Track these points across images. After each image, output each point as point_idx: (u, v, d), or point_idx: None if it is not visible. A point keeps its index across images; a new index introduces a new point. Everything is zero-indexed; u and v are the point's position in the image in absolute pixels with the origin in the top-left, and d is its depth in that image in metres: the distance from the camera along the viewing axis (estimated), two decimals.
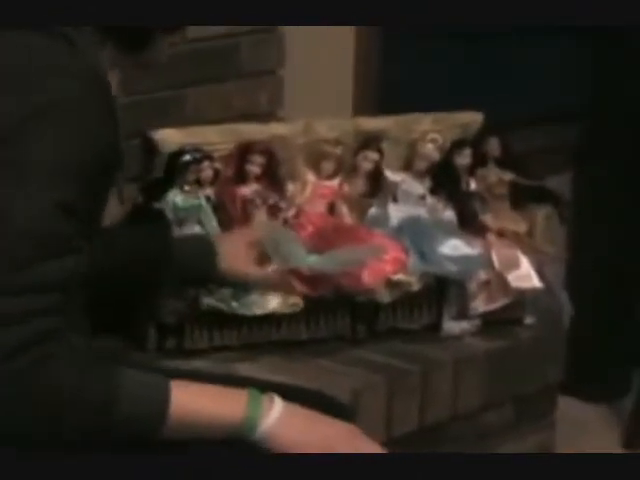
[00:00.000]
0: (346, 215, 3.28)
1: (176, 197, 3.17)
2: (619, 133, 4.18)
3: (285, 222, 3.27)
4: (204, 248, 3.12)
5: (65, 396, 2.22)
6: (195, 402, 2.32)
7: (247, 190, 3.23)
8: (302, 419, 2.39)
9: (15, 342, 2.13)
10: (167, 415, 2.26)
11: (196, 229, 3.19)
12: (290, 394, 2.37)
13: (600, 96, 4.35)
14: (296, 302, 3.08)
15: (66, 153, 2.23)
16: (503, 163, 3.41)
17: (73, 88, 2.27)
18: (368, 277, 3.10)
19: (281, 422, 2.34)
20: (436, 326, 3.23)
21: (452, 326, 3.26)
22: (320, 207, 3.27)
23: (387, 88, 4.14)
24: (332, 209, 3.28)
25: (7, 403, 2.18)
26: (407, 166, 3.39)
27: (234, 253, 3.09)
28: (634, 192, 4.12)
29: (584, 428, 4.01)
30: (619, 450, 4.03)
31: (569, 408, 3.73)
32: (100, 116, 2.30)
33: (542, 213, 3.43)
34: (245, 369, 2.97)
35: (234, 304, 3.07)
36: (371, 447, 2.38)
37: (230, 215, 3.23)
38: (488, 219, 3.36)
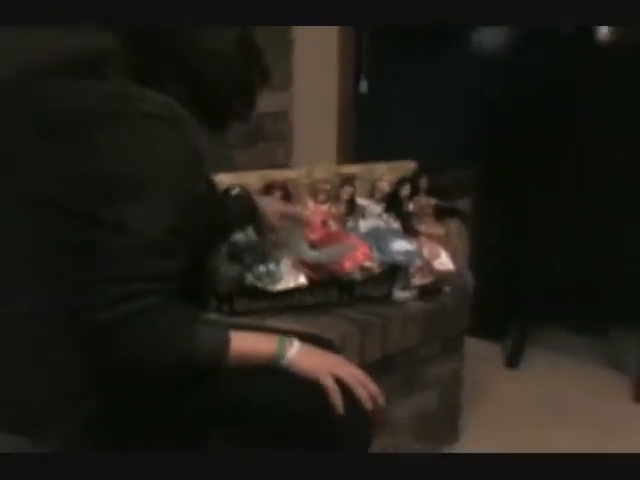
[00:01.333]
0: (333, 226, 3.40)
1: None
2: (503, 174, 4.28)
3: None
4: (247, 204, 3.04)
5: (165, 340, 2.27)
6: (244, 343, 2.37)
7: None
8: (311, 353, 2.44)
9: (140, 299, 2.21)
10: (228, 351, 2.33)
11: (238, 234, 3.09)
12: (301, 337, 2.42)
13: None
14: (303, 281, 3.18)
15: (175, 197, 2.31)
16: (429, 192, 3.55)
17: (184, 153, 2.35)
18: (348, 265, 3.23)
19: (298, 355, 2.40)
20: (389, 295, 3.33)
21: (400, 294, 3.35)
22: (317, 221, 3.32)
23: (359, 145, 4.12)
24: (324, 223, 3.38)
25: (132, 329, 2.23)
26: (370, 195, 3.53)
27: (270, 209, 3.04)
28: (511, 211, 4.21)
29: (480, 356, 4.03)
30: (503, 367, 4.18)
31: (472, 343, 3.74)
32: (194, 171, 2.40)
33: (454, 223, 3.57)
34: (272, 323, 3.00)
35: (266, 280, 3.14)
36: (353, 369, 2.45)
37: (260, 226, 3.06)
38: (421, 228, 3.49)
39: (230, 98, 2.59)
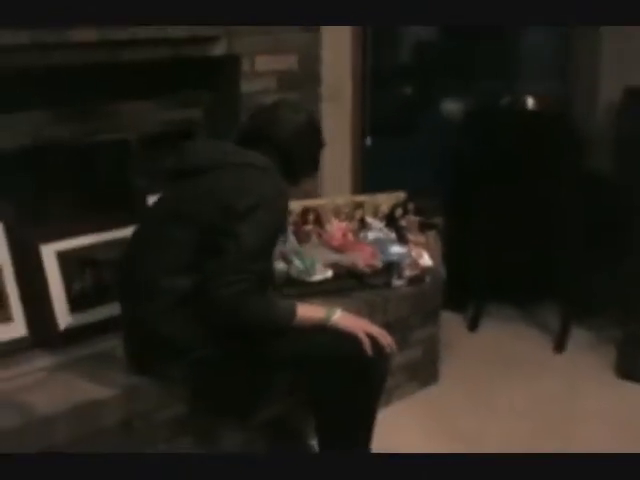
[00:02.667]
0: (350, 237, 3.38)
1: None
2: (464, 199, 4.17)
3: (323, 240, 3.33)
4: None
5: (258, 309, 2.44)
6: (305, 310, 2.52)
7: (308, 227, 3.34)
8: (348, 317, 2.56)
9: (244, 285, 2.39)
10: (295, 315, 2.48)
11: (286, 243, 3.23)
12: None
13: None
14: (329, 275, 3.23)
15: (270, 221, 2.49)
16: (416, 213, 3.53)
17: (276, 193, 2.53)
18: (360, 263, 3.28)
19: (339, 318, 2.53)
20: (389, 283, 3.33)
21: (396, 282, 3.34)
22: (339, 234, 3.36)
23: (366, 182, 4.02)
24: (344, 235, 3.36)
25: (236, 306, 2.40)
26: (375, 215, 3.48)
27: None
28: (469, 224, 4.09)
29: (450, 323, 3.94)
30: (466, 330, 4.13)
31: (445, 315, 3.70)
32: (284, 207, 2.60)
33: (432, 233, 3.54)
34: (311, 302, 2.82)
35: (302, 275, 3.19)
36: (376, 327, 2.58)
37: (300, 237, 3.30)
38: (409, 237, 3.46)
39: (303, 165, 2.73)
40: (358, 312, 2.82)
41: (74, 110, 2.94)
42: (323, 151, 2.79)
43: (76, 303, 2.85)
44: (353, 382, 2.54)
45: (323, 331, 2.54)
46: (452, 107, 4.61)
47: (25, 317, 2.77)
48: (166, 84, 3.11)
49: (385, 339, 2.59)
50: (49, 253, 2.82)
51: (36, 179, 2.93)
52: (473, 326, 4.19)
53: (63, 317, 2.81)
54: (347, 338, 2.53)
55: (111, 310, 2.82)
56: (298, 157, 2.67)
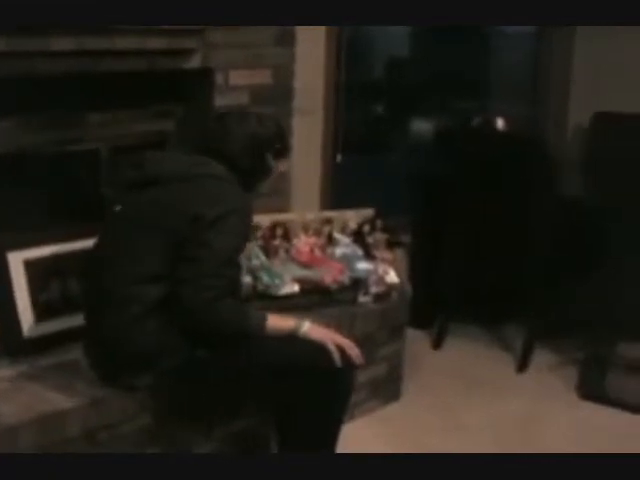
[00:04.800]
0: (318, 252, 3.39)
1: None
2: (431, 218, 4.18)
3: (290, 255, 3.32)
4: None
5: (230, 313, 2.48)
6: (276, 320, 2.57)
7: (276, 242, 3.33)
8: (318, 327, 2.61)
9: (218, 289, 2.43)
10: (266, 324, 2.52)
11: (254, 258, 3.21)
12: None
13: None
14: (296, 289, 3.21)
15: (238, 229, 2.53)
16: (383, 231, 3.54)
17: (241, 202, 2.57)
18: (328, 279, 3.28)
19: (310, 327, 2.58)
20: (355, 299, 3.34)
21: (362, 298, 3.35)
22: (307, 249, 3.36)
23: (335, 198, 4.07)
24: (312, 250, 3.36)
25: (207, 314, 2.44)
26: (343, 231, 3.49)
27: None
28: (436, 243, 4.12)
29: (415, 341, 3.95)
30: (430, 348, 4.13)
31: (410, 332, 3.69)
32: (250, 213, 2.61)
33: (399, 251, 3.62)
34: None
35: (270, 289, 3.17)
36: (344, 339, 2.62)
37: (268, 251, 3.29)
38: (377, 254, 3.47)
39: (254, 174, 2.75)
40: (327, 325, 2.84)
41: (46, 118, 2.93)
42: (285, 153, 2.83)
43: (42, 312, 2.83)
44: (320, 392, 2.57)
45: (292, 341, 2.58)
46: (422, 126, 4.65)
47: None
48: (140, 95, 3.11)
49: (353, 351, 2.61)
50: (16, 261, 2.80)
51: (6, 186, 2.90)
52: (437, 344, 4.19)
53: (28, 326, 2.79)
54: (316, 348, 2.56)
55: (77, 320, 2.79)
56: (249, 168, 2.71)
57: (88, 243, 2.86)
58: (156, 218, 2.54)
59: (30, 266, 2.82)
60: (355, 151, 4.27)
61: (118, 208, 2.67)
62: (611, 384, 3.69)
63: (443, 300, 4.20)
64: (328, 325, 2.78)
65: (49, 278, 2.87)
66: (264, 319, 2.55)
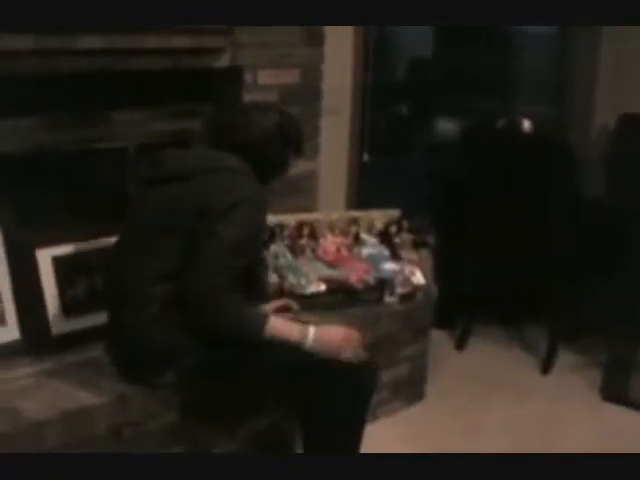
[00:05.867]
0: (345, 252, 3.37)
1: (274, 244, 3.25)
2: (454, 219, 4.14)
3: (317, 254, 3.31)
4: None
5: (230, 309, 2.43)
6: (279, 329, 2.48)
7: (303, 241, 3.32)
8: (322, 337, 2.52)
9: (222, 279, 2.40)
10: (266, 328, 2.45)
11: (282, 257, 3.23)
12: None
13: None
14: (322, 288, 3.21)
15: (249, 219, 2.49)
16: (409, 231, 3.52)
17: (253, 192, 2.54)
18: (353, 278, 3.27)
19: (314, 340, 2.49)
20: (381, 299, 3.33)
21: (387, 299, 3.34)
22: (333, 248, 3.35)
23: (362, 198, 4.02)
24: (338, 250, 3.35)
25: (209, 314, 2.41)
26: (369, 231, 3.47)
27: None
28: (459, 244, 4.07)
29: (439, 341, 3.94)
30: (453, 349, 4.12)
31: (434, 332, 3.68)
32: (264, 204, 2.58)
33: (424, 251, 3.58)
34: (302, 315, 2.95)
35: (297, 288, 3.17)
36: (347, 333, 2.58)
37: (295, 251, 3.28)
38: (403, 254, 3.46)
39: (272, 168, 2.72)
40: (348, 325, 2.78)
41: (74, 117, 2.93)
42: (297, 153, 2.80)
43: (69, 309, 2.83)
44: (341, 390, 2.52)
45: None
46: (447, 126, 4.65)
47: (18, 321, 2.76)
48: (168, 94, 3.11)
49: (353, 335, 2.60)
50: (45, 258, 2.81)
51: (35, 185, 2.91)
52: (461, 345, 4.19)
53: (56, 322, 2.80)
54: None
55: (102, 318, 2.77)
56: (267, 157, 2.69)
57: (114, 240, 2.85)
58: (172, 214, 2.53)
59: (58, 263, 2.83)
60: (381, 151, 4.23)
61: (137, 205, 2.66)
62: (634, 386, 3.66)
63: (466, 301, 4.18)
64: (350, 325, 2.72)
65: (77, 275, 2.87)
66: (262, 325, 2.48)
